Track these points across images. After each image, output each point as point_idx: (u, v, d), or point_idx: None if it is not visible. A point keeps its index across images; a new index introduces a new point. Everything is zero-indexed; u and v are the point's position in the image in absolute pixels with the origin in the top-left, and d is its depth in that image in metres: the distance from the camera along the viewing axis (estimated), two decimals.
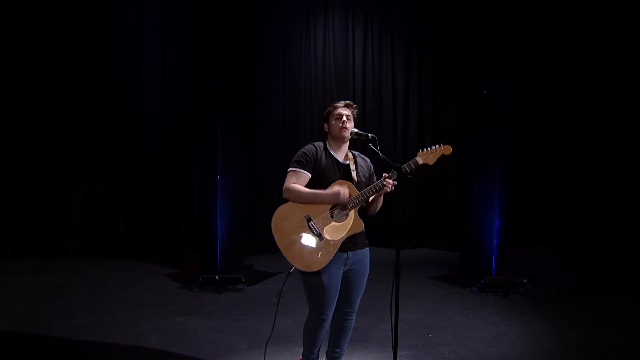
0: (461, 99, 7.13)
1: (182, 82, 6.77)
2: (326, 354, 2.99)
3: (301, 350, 2.97)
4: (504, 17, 7.18)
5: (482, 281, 5.02)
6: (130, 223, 6.71)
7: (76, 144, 6.56)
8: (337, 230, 2.67)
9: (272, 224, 2.66)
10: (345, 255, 2.72)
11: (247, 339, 3.75)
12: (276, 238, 2.65)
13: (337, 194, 2.65)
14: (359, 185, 2.77)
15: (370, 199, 2.74)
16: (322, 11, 7.24)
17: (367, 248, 2.86)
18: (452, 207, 7.21)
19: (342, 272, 2.74)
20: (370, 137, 2.69)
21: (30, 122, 6.44)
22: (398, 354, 2.68)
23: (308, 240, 2.64)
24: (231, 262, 5.51)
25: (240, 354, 3.51)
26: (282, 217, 2.67)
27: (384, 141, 6.95)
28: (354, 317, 2.91)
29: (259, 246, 6.50)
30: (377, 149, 2.67)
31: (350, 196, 2.68)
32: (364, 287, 2.87)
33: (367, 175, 2.87)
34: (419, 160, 2.74)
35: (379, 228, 6.14)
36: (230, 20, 6.76)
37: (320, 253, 2.63)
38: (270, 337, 3.13)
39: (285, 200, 2.72)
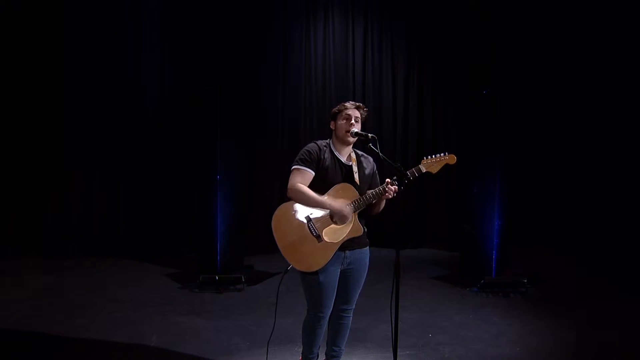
0: (461, 98, 7.12)
1: (182, 82, 6.76)
2: (325, 353, 2.99)
3: (301, 350, 2.97)
4: (504, 17, 7.17)
5: (482, 281, 5.01)
6: (130, 223, 6.70)
7: (76, 144, 6.55)
8: (336, 233, 2.67)
9: (272, 223, 2.66)
10: (342, 254, 2.72)
11: (247, 339, 3.75)
12: (276, 237, 2.65)
13: (341, 211, 2.65)
14: (360, 187, 2.76)
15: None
16: (322, 11, 7.23)
17: (368, 248, 2.86)
18: (452, 207, 7.21)
19: (339, 270, 2.74)
20: (370, 137, 2.69)
21: (30, 122, 6.42)
22: (398, 354, 2.68)
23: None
24: (231, 262, 5.51)
25: (240, 354, 3.52)
26: (283, 217, 2.67)
27: (384, 141, 6.94)
28: (351, 315, 2.92)
29: (259, 246, 6.49)
30: (377, 149, 2.67)
31: (351, 201, 2.68)
32: (362, 285, 2.87)
33: (369, 176, 2.87)
34: (422, 168, 2.74)
35: (379, 228, 6.18)
36: (231, 20, 6.75)
37: (318, 254, 2.63)
38: (270, 337, 3.13)
39: (285, 199, 2.72)
